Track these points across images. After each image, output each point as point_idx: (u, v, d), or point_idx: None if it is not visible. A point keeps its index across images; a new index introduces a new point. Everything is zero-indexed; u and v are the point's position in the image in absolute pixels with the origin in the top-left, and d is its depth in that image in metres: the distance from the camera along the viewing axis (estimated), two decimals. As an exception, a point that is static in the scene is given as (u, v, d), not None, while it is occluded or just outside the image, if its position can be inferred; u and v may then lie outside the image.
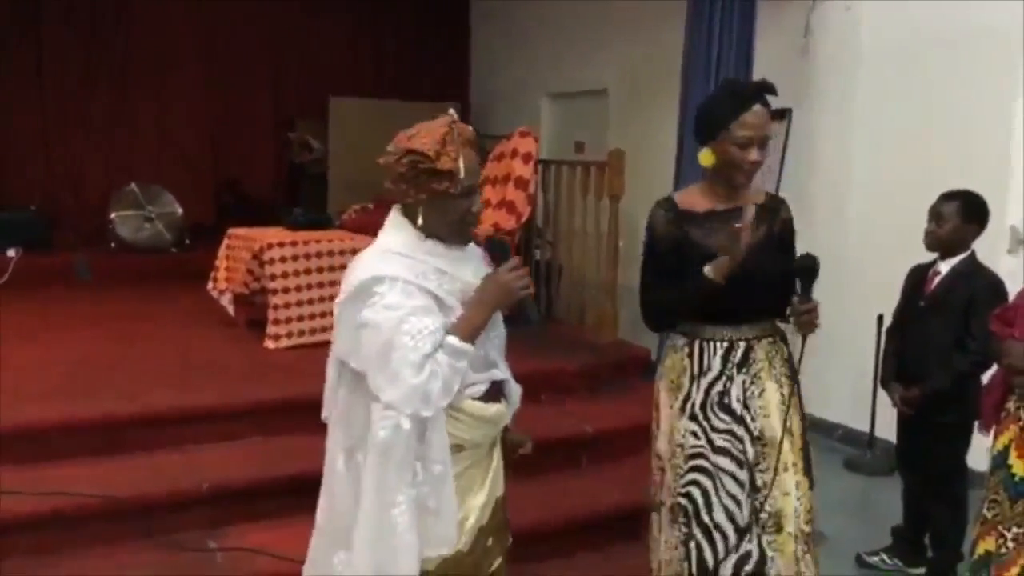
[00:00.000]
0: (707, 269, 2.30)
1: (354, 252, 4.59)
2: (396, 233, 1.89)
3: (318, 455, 3.37)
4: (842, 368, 4.44)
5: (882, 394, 3.67)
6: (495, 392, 1.97)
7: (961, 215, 3.10)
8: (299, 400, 3.71)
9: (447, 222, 1.87)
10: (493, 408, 1.95)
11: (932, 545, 3.28)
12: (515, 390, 2.07)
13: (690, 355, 2.45)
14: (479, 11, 8.39)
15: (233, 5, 7.63)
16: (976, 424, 2.65)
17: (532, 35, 7.35)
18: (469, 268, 1.93)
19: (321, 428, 3.57)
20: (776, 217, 2.47)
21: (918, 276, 3.27)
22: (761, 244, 2.39)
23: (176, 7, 7.44)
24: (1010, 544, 2.11)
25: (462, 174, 1.82)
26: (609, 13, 6.38)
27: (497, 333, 2.00)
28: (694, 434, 2.41)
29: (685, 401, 2.44)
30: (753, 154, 2.32)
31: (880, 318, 3.52)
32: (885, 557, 3.39)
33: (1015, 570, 2.09)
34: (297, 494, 3.23)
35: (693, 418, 2.42)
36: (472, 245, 1.99)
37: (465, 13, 8.44)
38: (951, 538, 3.16)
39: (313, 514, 3.16)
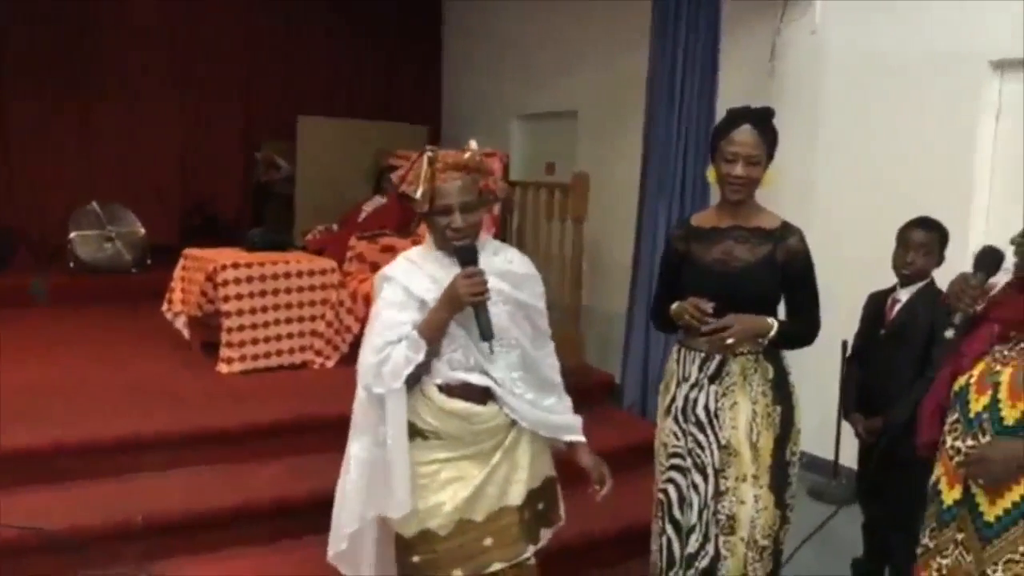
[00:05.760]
0: (674, 306, 2.56)
1: (311, 274, 4.60)
2: (423, 244, 2.27)
3: (262, 486, 3.28)
4: (806, 395, 4.29)
5: (846, 422, 3.60)
6: (476, 394, 2.18)
7: (940, 244, 3.08)
8: (245, 428, 3.62)
9: (436, 236, 2.20)
10: (460, 404, 2.16)
11: (892, 577, 3.21)
12: (562, 422, 2.36)
13: (677, 361, 2.64)
14: (451, 33, 8.37)
15: (203, 23, 7.54)
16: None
17: (503, 57, 7.32)
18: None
19: (268, 456, 3.59)
20: (781, 245, 2.55)
21: (877, 304, 3.22)
22: (751, 266, 2.53)
23: (144, 22, 7.33)
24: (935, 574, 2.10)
25: (419, 196, 2.13)
26: (579, 36, 6.35)
27: (474, 339, 2.16)
28: (675, 434, 2.61)
29: (671, 403, 2.63)
30: (736, 169, 2.47)
31: (845, 344, 3.48)
32: (846, 589, 3.32)
33: None
34: (237, 526, 3.14)
35: (675, 420, 2.61)
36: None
37: (437, 35, 8.42)
38: (910, 571, 3.09)
39: (253, 547, 3.08)
